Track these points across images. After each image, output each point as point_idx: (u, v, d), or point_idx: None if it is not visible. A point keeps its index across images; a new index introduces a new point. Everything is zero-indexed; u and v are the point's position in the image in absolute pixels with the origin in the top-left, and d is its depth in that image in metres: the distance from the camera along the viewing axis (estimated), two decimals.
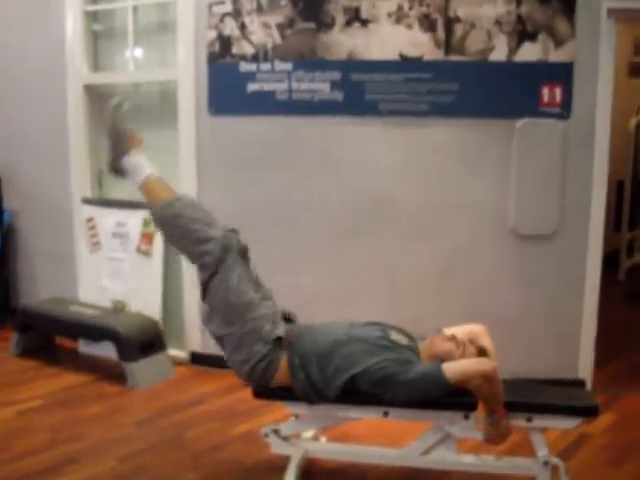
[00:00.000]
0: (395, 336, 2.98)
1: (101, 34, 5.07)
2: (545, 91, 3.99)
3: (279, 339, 2.90)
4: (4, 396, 4.15)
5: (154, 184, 3.12)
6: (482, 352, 2.95)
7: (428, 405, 2.87)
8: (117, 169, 3.16)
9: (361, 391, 2.86)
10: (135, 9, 4.79)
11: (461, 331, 3.04)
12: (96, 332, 4.58)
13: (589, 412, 2.94)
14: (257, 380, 2.96)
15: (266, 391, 3.03)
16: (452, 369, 2.77)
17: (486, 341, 3.05)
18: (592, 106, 4.00)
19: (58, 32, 4.96)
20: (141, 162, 3.12)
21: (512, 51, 3.99)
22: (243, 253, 3.04)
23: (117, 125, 3.18)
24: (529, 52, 3.98)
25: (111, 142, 3.15)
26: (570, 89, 3.98)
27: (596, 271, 4.13)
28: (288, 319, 3.10)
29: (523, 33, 3.97)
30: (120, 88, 5.02)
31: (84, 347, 4.99)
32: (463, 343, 2.92)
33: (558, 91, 3.98)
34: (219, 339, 3.02)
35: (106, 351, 4.65)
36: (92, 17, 5.00)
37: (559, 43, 3.94)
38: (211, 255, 2.93)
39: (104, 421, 3.87)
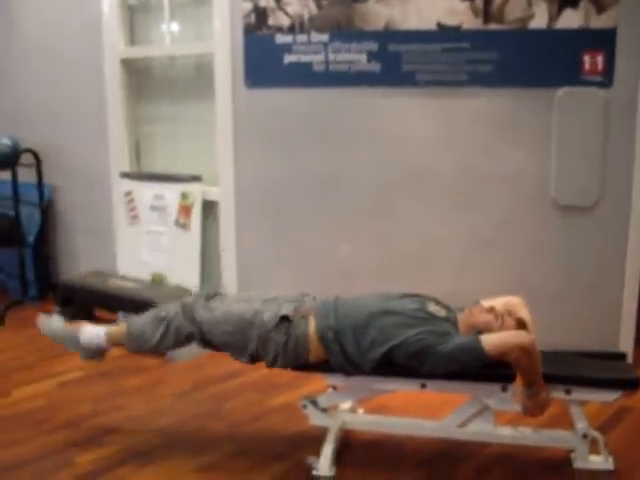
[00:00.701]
0: (433, 307, 2.96)
1: (137, 8, 5.07)
2: (586, 59, 3.89)
3: (285, 318, 2.90)
4: (46, 368, 4.23)
5: (113, 332, 3.23)
6: (521, 324, 2.92)
7: (466, 377, 2.86)
8: (91, 356, 3.28)
9: (398, 363, 2.85)
10: None
11: (499, 303, 3.01)
12: (136, 305, 4.60)
13: (629, 385, 2.91)
14: (295, 362, 2.96)
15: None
16: (490, 341, 2.75)
17: (524, 313, 3.01)
18: (635, 74, 3.89)
19: (95, 7, 4.98)
20: (90, 331, 3.24)
21: (552, 18, 3.90)
22: (211, 295, 3.19)
23: (56, 335, 3.32)
24: (570, 19, 3.88)
25: (66, 345, 3.29)
26: (612, 56, 3.88)
27: (638, 242, 4.05)
28: (296, 301, 3.07)
29: None
30: (156, 61, 5.04)
31: (124, 320, 5.03)
32: (502, 315, 2.90)
33: (600, 59, 3.89)
34: (253, 360, 3.04)
35: None
36: None
37: (601, 9, 3.84)
38: (181, 328, 3.05)
39: (144, 393, 3.92)
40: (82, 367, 4.20)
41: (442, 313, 2.95)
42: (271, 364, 2.98)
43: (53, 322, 3.35)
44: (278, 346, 2.90)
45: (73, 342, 3.24)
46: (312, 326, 2.91)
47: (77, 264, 5.47)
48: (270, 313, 2.93)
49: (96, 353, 3.26)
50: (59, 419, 3.55)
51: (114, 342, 3.23)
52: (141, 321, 3.15)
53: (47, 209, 5.54)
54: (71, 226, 5.55)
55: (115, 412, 3.65)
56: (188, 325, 3.03)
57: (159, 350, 3.26)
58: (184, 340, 3.10)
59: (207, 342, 3.07)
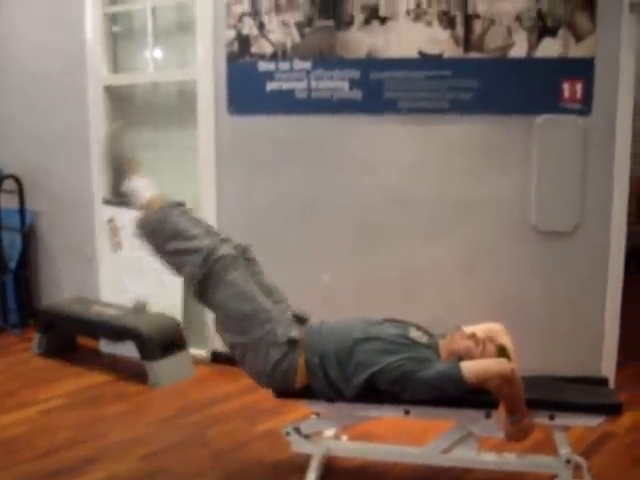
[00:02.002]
0: (414, 333, 2.96)
1: (120, 35, 5.10)
2: (565, 87, 3.95)
3: (294, 341, 2.88)
4: (27, 396, 4.19)
5: (153, 204, 3.13)
6: (502, 351, 2.93)
7: (449, 403, 2.86)
8: (119, 194, 3.26)
9: (380, 390, 2.85)
10: (154, 10, 4.82)
11: (481, 329, 3.02)
12: (118, 331, 4.61)
13: (612, 410, 2.92)
14: (279, 386, 2.96)
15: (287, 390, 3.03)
16: (470, 369, 2.75)
17: (505, 340, 3.02)
18: (613, 102, 3.95)
19: (78, 34, 5.01)
20: (141, 187, 3.17)
21: (532, 47, 3.96)
22: (244, 257, 3.05)
23: (115, 154, 3.28)
24: (549, 48, 3.94)
25: (111, 170, 3.22)
26: (591, 85, 3.94)
27: (619, 267, 4.08)
28: (302, 320, 3.04)
29: (543, 29, 3.93)
30: (140, 88, 5.05)
31: (105, 347, 5.01)
32: (482, 341, 2.90)
33: (579, 87, 3.95)
34: (233, 347, 3.01)
35: (127, 351, 4.67)
36: (112, 19, 5.04)
37: (580, 38, 3.91)
38: (191, 266, 2.93)
39: (126, 420, 3.89)
40: (64, 394, 4.19)
41: (423, 339, 2.96)
42: (256, 378, 2.97)
43: (120, 142, 3.39)
44: (271, 361, 2.87)
45: (117, 175, 3.27)
46: (302, 353, 2.90)
47: (60, 290, 5.44)
48: (283, 329, 2.89)
49: (125, 198, 3.24)
50: (39, 447, 3.52)
51: (144, 209, 3.13)
52: (169, 218, 3.03)
53: (29, 235, 5.52)
54: (54, 252, 5.52)
55: (96, 440, 3.62)
56: (203, 271, 2.91)
57: (158, 255, 3.08)
58: (185, 269, 2.96)
59: (203, 294, 2.97)
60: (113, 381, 4.48)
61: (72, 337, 5.12)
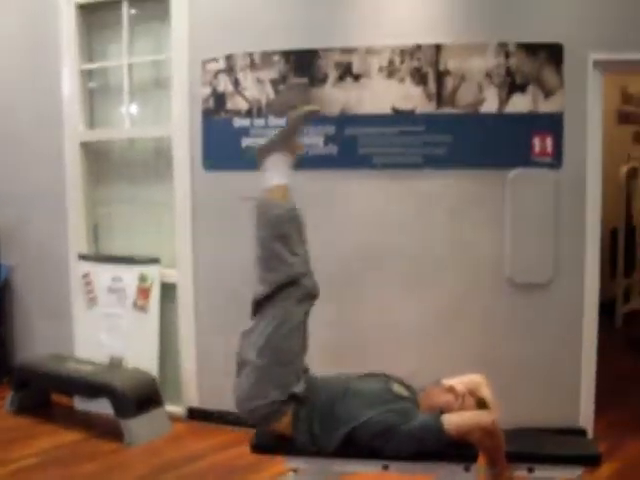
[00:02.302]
0: (397, 388, 2.96)
1: (97, 91, 5.13)
2: (536, 141, 4.04)
3: (295, 396, 2.86)
4: None
5: (284, 191, 2.98)
6: (481, 403, 2.93)
7: (428, 457, 2.84)
8: (262, 154, 3.01)
9: (361, 444, 2.83)
10: (130, 67, 4.87)
11: (460, 382, 3.02)
12: (92, 388, 4.55)
13: (591, 461, 2.92)
14: (255, 420, 2.91)
15: (264, 446, 3.00)
16: (452, 421, 2.75)
17: (485, 392, 3.02)
18: (583, 155, 4.04)
19: (55, 90, 5.03)
20: (284, 169, 3.00)
21: (502, 103, 4.05)
22: (312, 298, 2.97)
23: (293, 125, 3.01)
24: (519, 103, 4.04)
25: (277, 134, 3.00)
26: (561, 139, 4.03)
27: (593, 318, 4.13)
28: (304, 371, 3.02)
29: (512, 85, 4.03)
30: (116, 144, 5.07)
31: (80, 404, 4.95)
32: (462, 394, 2.90)
33: (549, 141, 4.03)
34: (242, 363, 2.91)
35: (103, 408, 4.61)
36: (88, 75, 5.07)
37: (548, 94, 4.01)
38: (276, 276, 2.85)
39: (101, 479, 3.82)
40: (37, 453, 4.12)
41: (405, 394, 2.96)
42: (244, 400, 2.89)
43: (301, 118, 3.02)
44: (266, 398, 2.81)
45: (284, 140, 2.98)
46: (293, 405, 2.87)
47: (34, 346, 5.37)
48: (293, 379, 2.84)
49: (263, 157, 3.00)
50: None
51: (272, 192, 2.96)
52: (293, 227, 2.91)
53: (4, 289, 5.47)
54: (28, 307, 5.46)
55: None
56: (280, 286, 2.84)
57: (265, 240, 2.89)
58: (270, 275, 2.87)
59: (262, 303, 2.89)
60: (87, 439, 4.41)
61: (46, 394, 5.05)
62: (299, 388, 2.85)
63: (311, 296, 2.93)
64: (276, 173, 2.98)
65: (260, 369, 2.83)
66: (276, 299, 2.85)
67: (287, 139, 2.99)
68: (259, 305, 2.90)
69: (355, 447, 2.84)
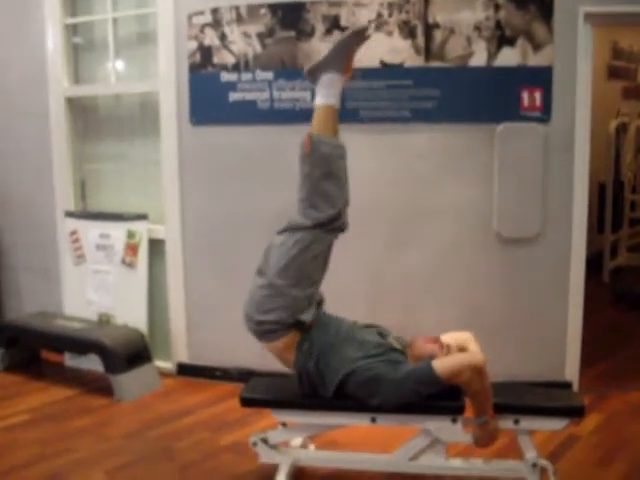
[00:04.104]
0: (391, 340, 2.99)
1: (82, 47, 5.06)
2: (525, 95, 4.01)
3: (302, 323, 2.89)
4: None
5: (331, 117, 2.94)
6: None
7: (415, 410, 2.88)
8: (314, 73, 2.96)
9: (350, 394, 2.86)
10: (115, 21, 4.79)
11: (450, 337, 3.05)
12: (82, 345, 4.56)
13: (576, 412, 2.96)
14: (257, 332, 2.94)
15: (253, 400, 3.03)
16: (442, 364, 2.78)
17: (474, 347, 3.05)
18: (572, 109, 4.03)
19: (39, 45, 4.95)
20: (338, 88, 2.93)
21: (491, 56, 4.02)
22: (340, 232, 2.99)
23: (348, 44, 2.92)
24: (508, 57, 4.00)
25: (331, 53, 2.92)
26: (549, 93, 4.01)
27: (580, 273, 4.15)
28: (319, 303, 3.05)
29: (502, 38, 4.00)
30: (102, 100, 5.02)
31: (70, 361, 4.97)
32: (447, 345, 2.93)
33: (538, 95, 4.01)
34: (261, 273, 2.94)
35: (92, 364, 4.64)
36: (72, 30, 4.99)
37: (537, 48, 3.97)
38: (321, 213, 2.86)
39: (92, 434, 3.85)
40: (28, 410, 4.15)
41: (398, 346, 2.99)
42: (256, 308, 2.90)
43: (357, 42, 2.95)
44: (274, 315, 2.85)
45: (341, 52, 2.91)
46: (298, 332, 2.91)
47: (23, 304, 5.37)
48: (303, 306, 2.88)
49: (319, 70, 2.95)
50: (3, 464, 3.47)
51: (324, 117, 2.95)
52: (343, 165, 2.93)
53: None
54: (16, 266, 5.44)
55: (62, 455, 3.58)
56: (324, 223, 2.87)
57: (314, 176, 2.87)
58: (315, 212, 2.87)
59: (296, 231, 2.89)
60: (78, 395, 4.43)
61: (36, 351, 5.07)
62: (307, 316, 2.89)
63: (341, 230, 2.95)
64: (326, 92, 2.94)
65: (277, 287, 2.86)
66: (310, 229, 2.86)
67: (339, 58, 2.91)
68: (291, 227, 2.90)
69: (344, 399, 2.88)
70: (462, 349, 3.00)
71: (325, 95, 2.94)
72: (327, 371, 2.87)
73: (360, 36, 2.94)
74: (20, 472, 3.39)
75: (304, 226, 2.86)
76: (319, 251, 2.89)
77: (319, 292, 3.05)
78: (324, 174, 2.86)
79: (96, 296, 4.87)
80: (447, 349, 2.92)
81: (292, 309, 2.86)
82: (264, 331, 2.90)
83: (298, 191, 2.93)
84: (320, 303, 3.06)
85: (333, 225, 2.89)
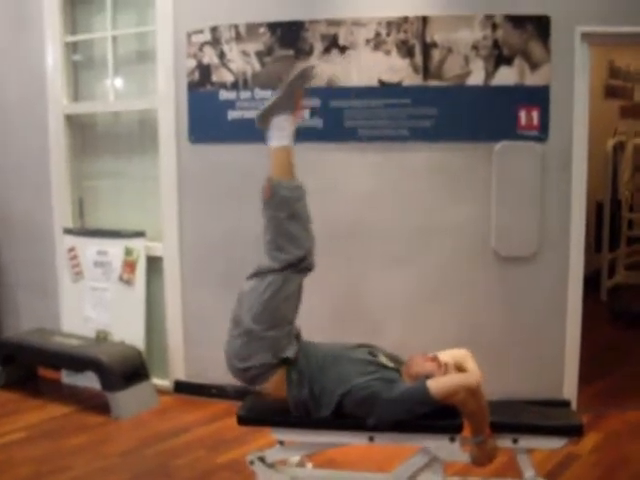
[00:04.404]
0: (382, 359, 2.98)
1: (81, 64, 5.08)
2: (522, 114, 4.03)
3: (286, 359, 2.88)
4: None
5: (287, 158, 3.01)
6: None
7: (413, 429, 2.87)
8: (265, 118, 3.00)
9: (347, 413, 2.85)
10: (114, 39, 4.82)
11: (446, 355, 3.04)
12: (79, 362, 4.55)
13: (575, 431, 2.95)
14: (245, 379, 2.94)
15: (251, 418, 3.02)
16: (436, 383, 2.77)
17: (471, 364, 3.04)
18: (569, 128, 4.04)
19: (38, 63, 4.98)
20: (290, 129, 2.99)
21: (489, 75, 4.04)
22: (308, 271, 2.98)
23: (295, 85, 2.95)
24: (506, 76, 4.03)
25: (280, 96, 2.96)
26: (547, 112, 4.03)
27: (578, 291, 4.15)
28: (297, 337, 3.05)
29: (499, 57, 4.02)
30: (101, 117, 5.04)
31: (67, 378, 4.95)
32: (445, 364, 2.92)
33: (535, 114, 4.03)
34: (236, 322, 2.93)
35: (89, 381, 4.62)
36: (72, 48, 5.02)
37: (535, 67, 4.00)
38: (289, 255, 2.87)
39: (89, 452, 3.84)
40: (24, 427, 4.13)
41: (390, 364, 2.98)
42: (235, 360, 2.91)
43: (303, 79, 2.97)
44: (257, 360, 2.84)
45: (283, 100, 2.95)
46: (283, 368, 2.90)
47: (20, 321, 5.35)
48: (285, 343, 2.88)
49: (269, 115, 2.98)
50: None
51: (278, 157, 3.03)
52: (304, 203, 2.94)
53: None
54: (14, 282, 5.44)
55: (59, 473, 3.56)
56: (290, 264, 2.86)
57: (279, 219, 2.89)
58: (282, 255, 2.87)
59: (265, 273, 2.88)
60: (75, 412, 4.42)
61: (33, 369, 5.05)
62: (290, 352, 2.88)
63: (309, 270, 2.95)
64: (279, 134, 2.99)
65: (254, 333, 2.85)
66: (279, 271, 2.87)
67: (289, 99, 2.95)
68: (260, 271, 2.91)
69: (341, 418, 2.87)
70: (459, 366, 2.99)
71: (279, 137, 2.99)
72: (323, 394, 2.86)
73: (307, 76, 2.99)
74: None
75: (273, 269, 2.86)
76: (291, 292, 2.90)
77: (295, 326, 3.05)
78: (287, 216, 2.89)
79: (94, 313, 4.86)
80: (445, 367, 2.91)
81: (273, 349, 2.86)
82: (252, 377, 2.90)
83: (263, 235, 2.94)
84: (298, 336, 3.05)
85: (301, 265, 2.90)
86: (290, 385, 2.89)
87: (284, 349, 2.87)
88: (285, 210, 2.89)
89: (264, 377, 2.89)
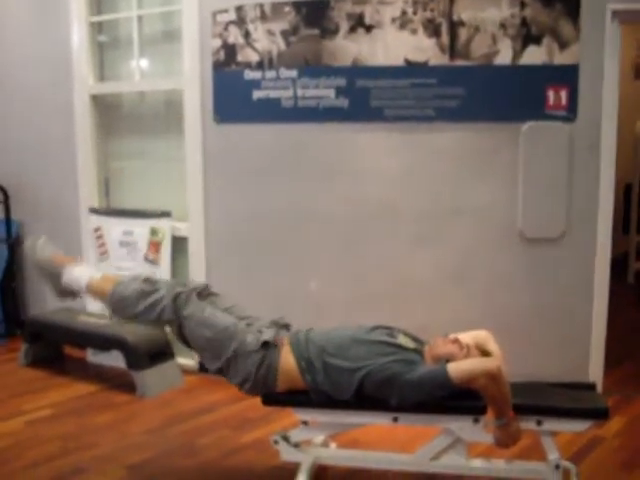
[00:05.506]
0: (402, 339, 2.98)
1: (107, 44, 5.09)
2: (550, 94, 3.98)
3: (266, 344, 2.92)
4: (13, 406, 4.16)
5: (96, 285, 3.22)
6: (486, 355, 2.95)
7: (437, 410, 2.87)
8: (64, 295, 3.30)
9: (367, 394, 2.85)
10: (140, 19, 4.82)
11: (467, 336, 3.03)
12: (105, 341, 4.59)
13: (600, 414, 2.93)
14: (263, 389, 2.97)
15: (275, 398, 3.02)
16: (456, 368, 2.77)
17: (492, 346, 3.04)
18: (598, 108, 3.98)
19: (64, 43, 5.00)
20: (76, 275, 3.23)
21: (517, 54, 3.98)
22: (203, 293, 3.17)
23: (39, 261, 3.29)
24: (534, 55, 3.97)
25: (44, 277, 3.28)
26: (575, 92, 3.97)
27: (605, 274, 4.11)
28: (281, 325, 3.12)
29: (527, 36, 3.96)
30: (126, 97, 5.05)
31: (93, 357, 4.99)
32: (467, 346, 2.91)
33: (563, 94, 3.97)
34: (219, 372, 3.05)
35: (115, 360, 4.66)
36: (97, 28, 5.03)
37: (564, 46, 3.93)
38: (165, 312, 3.04)
39: (114, 430, 3.87)
40: (51, 405, 4.17)
41: (411, 345, 2.97)
42: (239, 386, 2.99)
43: (42, 248, 3.32)
44: (250, 369, 2.91)
45: (53, 278, 3.24)
46: (287, 356, 2.93)
47: (46, 300, 5.39)
48: (253, 335, 2.95)
49: (69, 294, 3.29)
50: (26, 459, 3.49)
51: (94, 295, 3.26)
52: (127, 290, 3.12)
53: (15, 245, 5.49)
54: None
55: (84, 450, 3.60)
56: (172, 313, 3.03)
57: (135, 320, 3.19)
58: (162, 324, 3.17)
59: (182, 336, 3.10)
60: (100, 391, 4.46)
61: (59, 347, 5.10)
62: (266, 336, 2.95)
63: (192, 295, 3.11)
64: (78, 282, 3.23)
65: (227, 361, 2.97)
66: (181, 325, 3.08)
67: (49, 269, 3.28)
68: (182, 338, 3.15)
69: (365, 399, 2.87)
70: (481, 348, 2.98)
71: (79, 284, 3.23)
72: (341, 377, 2.86)
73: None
74: (42, 466, 3.41)
75: (173, 322, 3.09)
76: (197, 317, 3.04)
77: (278, 317, 3.16)
78: (132, 308, 3.10)
79: None
80: (467, 349, 2.90)
81: (248, 353, 2.93)
82: (261, 385, 2.96)
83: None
84: (286, 326, 3.15)
85: (179, 301, 3.05)
86: (303, 374, 2.91)
87: (256, 340, 2.94)
88: (129, 307, 3.12)
89: (271, 373, 2.92)
